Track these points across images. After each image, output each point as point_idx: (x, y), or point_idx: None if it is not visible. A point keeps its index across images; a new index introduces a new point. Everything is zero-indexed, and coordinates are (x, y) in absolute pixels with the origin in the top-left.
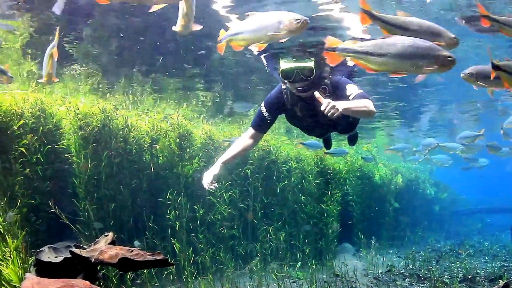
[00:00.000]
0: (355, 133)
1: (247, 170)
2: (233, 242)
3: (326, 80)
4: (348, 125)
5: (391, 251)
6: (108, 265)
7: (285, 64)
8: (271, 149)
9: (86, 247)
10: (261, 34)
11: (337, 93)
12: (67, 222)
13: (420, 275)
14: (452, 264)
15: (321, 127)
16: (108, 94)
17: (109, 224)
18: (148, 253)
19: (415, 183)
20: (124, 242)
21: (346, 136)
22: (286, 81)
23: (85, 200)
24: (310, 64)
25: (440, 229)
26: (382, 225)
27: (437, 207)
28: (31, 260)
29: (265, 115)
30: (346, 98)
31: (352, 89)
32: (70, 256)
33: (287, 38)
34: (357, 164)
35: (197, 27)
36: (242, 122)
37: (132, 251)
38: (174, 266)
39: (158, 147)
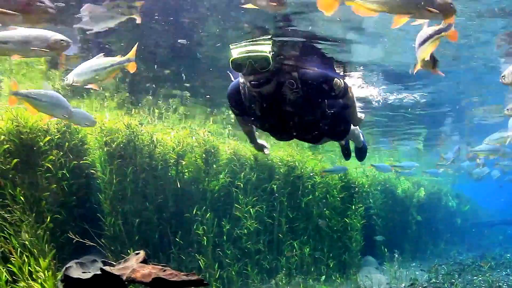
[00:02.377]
0: (363, 147)
1: (273, 186)
2: (259, 257)
3: (293, 73)
4: (329, 130)
5: (413, 264)
6: (141, 283)
7: (236, 52)
8: (296, 164)
9: (115, 264)
10: (25, 47)
11: (312, 89)
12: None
13: None
14: (475, 278)
15: (290, 131)
16: (133, 110)
17: (134, 239)
18: (182, 273)
19: (437, 195)
20: (150, 257)
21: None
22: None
23: (111, 215)
24: (266, 51)
25: (462, 241)
26: (404, 238)
27: (459, 220)
28: (58, 276)
29: (232, 109)
30: (329, 96)
31: (341, 85)
32: (100, 273)
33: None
34: (380, 177)
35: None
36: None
37: (165, 270)
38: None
39: (184, 162)
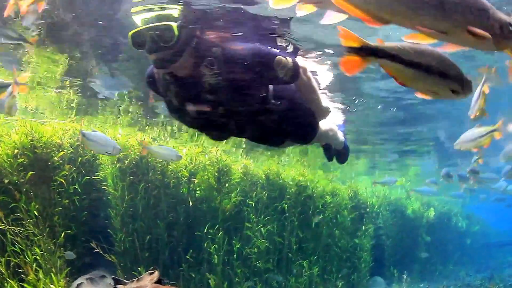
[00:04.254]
0: (343, 149)
1: (284, 205)
2: (268, 275)
3: (213, 49)
4: (282, 127)
5: (421, 285)
6: None
7: (139, 19)
8: (308, 184)
9: (127, 282)
10: None
11: (241, 70)
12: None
13: None
14: None
15: (221, 127)
16: (147, 126)
17: (144, 256)
18: None
19: (447, 216)
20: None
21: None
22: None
23: (121, 231)
24: (171, 19)
25: (472, 262)
26: (413, 259)
27: (468, 240)
28: None
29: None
30: (269, 81)
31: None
32: None
33: None
34: (391, 197)
35: None
36: (279, 156)
37: None
38: None
39: (196, 180)
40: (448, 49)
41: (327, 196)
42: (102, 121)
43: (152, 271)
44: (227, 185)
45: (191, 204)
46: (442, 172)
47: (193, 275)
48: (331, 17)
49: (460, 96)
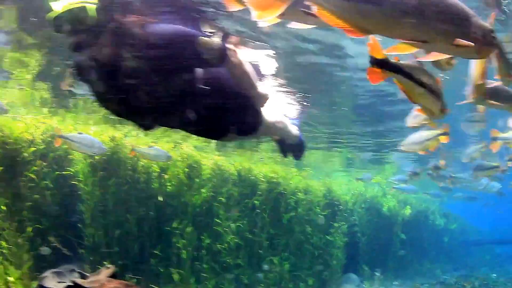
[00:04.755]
0: (298, 142)
1: (255, 201)
2: (238, 272)
3: (134, 30)
4: (217, 117)
5: (396, 283)
6: None
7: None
8: (280, 181)
9: (88, 275)
10: None
11: (161, 52)
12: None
13: None
14: None
15: (147, 115)
16: (118, 123)
17: (114, 251)
18: None
19: (424, 214)
20: (129, 269)
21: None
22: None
23: (91, 226)
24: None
25: (449, 260)
26: (388, 256)
27: (446, 238)
28: (34, 285)
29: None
30: (194, 63)
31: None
32: (72, 284)
33: None
34: (367, 195)
35: None
36: (251, 153)
37: (131, 286)
38: None
39: (166, 176)
40: (429, 58)
41: (300, 193)
42: (73, 118)
43: (109, 266)
44: (197, 180)
45: (161, 199)
46: (408, 171)
47: (162, 270)
48: (298, 25)
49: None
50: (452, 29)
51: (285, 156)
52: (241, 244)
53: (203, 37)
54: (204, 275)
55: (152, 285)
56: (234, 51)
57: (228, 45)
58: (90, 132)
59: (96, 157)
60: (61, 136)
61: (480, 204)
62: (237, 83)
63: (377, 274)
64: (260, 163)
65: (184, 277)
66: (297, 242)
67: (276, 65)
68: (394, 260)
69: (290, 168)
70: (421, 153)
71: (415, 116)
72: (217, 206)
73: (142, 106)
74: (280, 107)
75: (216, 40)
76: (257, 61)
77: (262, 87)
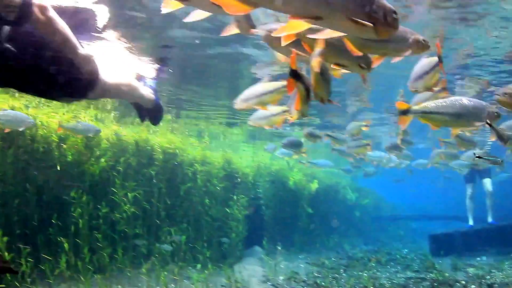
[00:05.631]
0: (155, 106)
1: (151, 171)
2: (136, 242)
3: None
4: (23, 76)
5: (301, 257)
6: None
7: None
8: (177, 151)
9: None
10: None
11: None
12: None
13: (323, 284)
14: (360, 273)
15: None
16: (18, 93)
17: (13, 220)
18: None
19: (334, 188)
20: (28, 238)
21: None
22: None
23: None
24: None
25: (359, 235)
26: (294, 230)
27: (358, 213)
28: None
29: None
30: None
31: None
32: None
33: None
34: (272, 168)
35: None
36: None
37: None
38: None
39: (65, 146)
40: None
41: (197, 164)
42: None
43: None
44: (96, 150)
45: (59, 168)
46: (304, 132)
47: (59, 239)
48: (195, 15)
49: (365, 71)
50: (350, 5)
51: (142, 120)
52: (138, 214)
53: None
54: (99, 244)
55: (45, 255)
56: (43, 7)
57: (34, 1)
58: None
59: None
60: None
61: (391, 180)
62: (49, 42)
63: (279, 248)
64: (157, 133)
65: (79, 246)
66: (196, 214)
67: (108, 15)
68: (300, 234)
69: (189, 138)
70: (266, 128)
71: None
72: (114, 176)
73: None
74: (131, 69)
75: None
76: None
77: (86, 48)
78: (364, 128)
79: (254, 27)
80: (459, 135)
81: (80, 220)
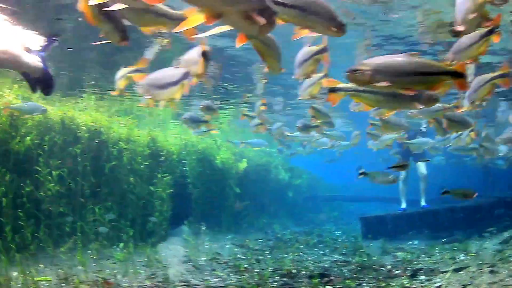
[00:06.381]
0: (44, 76)
1: (76, 150)
2: (60, 220)
3: None
4: None
5: (228, 237)
6: None
7: None
8: (102, 130)
9: None
10: None
11: None
12: None
13: (245, 266)
14: (285, 256)
15: None
16: None
17: None
18: None
19: (265, 167)
20: None
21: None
22: None
23: None
24: None
25: (292, 216)
26: (222, 210)
27: (290, 193)
28: None
29: None
30: None
31: None
32: None
33: None
34: (199, 146)
35: None
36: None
37: None
38: None
39: None
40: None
41: (122, 143)
42: None
43: None
44: (21, 129)
45: None
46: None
47: None
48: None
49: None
50: (244, 3)
51: (33, 91)
52: (63, 192)
53: None
54: (21, 223)
55: None
56: None
57: None
58: None
59: None
60: None
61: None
62: None
63: (203, 228)
64: (84, 112)
65: (2, 224)
66: (121, 192)
67: None
68: (228, 214)
69: (114, 117)
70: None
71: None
72: (39, 154)
73: None
74: (16, 39)
75: None
76: None
77: None
78: (262, 108)
79: None
80: (386, 119)
81: (4, 198)
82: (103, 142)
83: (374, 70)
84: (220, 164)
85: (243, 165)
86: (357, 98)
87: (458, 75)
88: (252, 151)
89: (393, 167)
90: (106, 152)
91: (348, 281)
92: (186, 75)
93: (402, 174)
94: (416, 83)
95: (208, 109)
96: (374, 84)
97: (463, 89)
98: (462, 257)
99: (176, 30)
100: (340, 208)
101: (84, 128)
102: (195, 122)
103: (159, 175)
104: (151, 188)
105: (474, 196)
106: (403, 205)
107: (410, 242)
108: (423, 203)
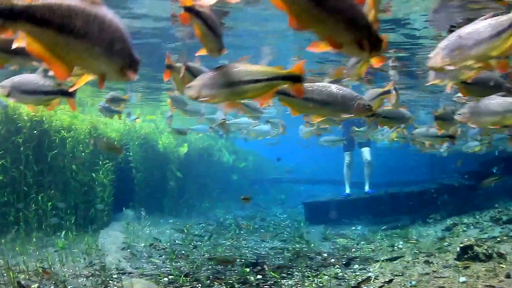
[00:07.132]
0: None
1: (19, 139)
2: (5, 209)
3: None
4: None
5: (170, 221)
6: None
7: None
8: (43, 119)
9: None
10: None
11: None
12: None
13: (182, 252)
14: (224, 242)
15: None
16: None
17: None
18: None
19: (208, 151)
20: None
21: None
22: None
23: None
24: None
25: (237, 199)
26: (164, 195)
27: (235, 176)
28: None
29: None
30: None
31: None
32: None
33: None
34: (141, 131)
35: None
36: None
37: None
38: None
39: None
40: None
41: (63, 131)
42: None
43: None
44: None
45: None
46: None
47: None
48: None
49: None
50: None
51: None
52: (6, 181)
53: None
54: None
55: None
56: None
57: None
58: None
59: None
60: None
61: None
62: None
63: (143, 213)
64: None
65: None
66: (64, 180)
67: None
68: (170, 198)
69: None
70: None
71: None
72: None
73: None
74: None
75: None
76: None
77: None
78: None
79: None
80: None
81: None
82: (45, 131)
83: (202, 85)
84: (162, 148)
85: (183, 149)
86: (285, 103)
87: (296, 79)
88: (194, 135)
89: None
90: (48, 140)
91: (279, 270)
92: None
93: (347, 159)
94: (247, 93)
95: (113, 100)
96: (201, 99)
97: (299, 95)
98: (401, 244)
99: None
100: (288, 190)
101: (26, 118)
102: (109, 111)
103: (100, 162)
104: (93, 175)
105: None
106: (347, 190)
107: (354, 228)
108: (367, 188)
